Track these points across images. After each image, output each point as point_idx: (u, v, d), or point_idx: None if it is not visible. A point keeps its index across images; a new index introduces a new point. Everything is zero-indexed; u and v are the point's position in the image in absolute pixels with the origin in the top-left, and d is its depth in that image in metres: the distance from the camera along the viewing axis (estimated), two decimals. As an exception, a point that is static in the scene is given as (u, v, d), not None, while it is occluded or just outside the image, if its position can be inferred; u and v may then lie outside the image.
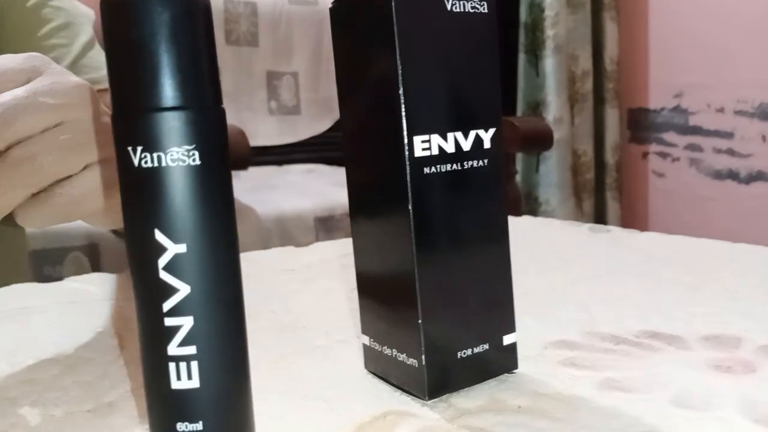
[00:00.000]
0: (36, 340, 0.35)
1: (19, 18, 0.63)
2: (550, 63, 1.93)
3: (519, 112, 2.00)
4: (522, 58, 1.98)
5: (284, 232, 1.35)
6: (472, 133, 0.28)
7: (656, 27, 1.97)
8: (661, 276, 0.45)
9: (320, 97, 1.88)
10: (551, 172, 1.97)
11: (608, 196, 2.06)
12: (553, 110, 1.94)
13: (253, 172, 1.58)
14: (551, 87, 1.94)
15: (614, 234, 0.59)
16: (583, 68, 1.99)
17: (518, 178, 1.89)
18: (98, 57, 0.67)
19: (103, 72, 0.68)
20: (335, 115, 1.88)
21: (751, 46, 1.73)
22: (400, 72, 0.26)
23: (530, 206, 1.98)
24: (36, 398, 0.31)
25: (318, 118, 1.88)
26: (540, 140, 1.34)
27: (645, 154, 2.05)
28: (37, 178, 0.33)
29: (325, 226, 1.40)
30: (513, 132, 1.29)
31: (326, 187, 1.54)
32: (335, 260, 0.55)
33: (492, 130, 0.29)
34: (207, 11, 0.22)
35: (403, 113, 0.26)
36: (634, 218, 2.07)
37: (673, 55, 1.93)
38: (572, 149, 2.00)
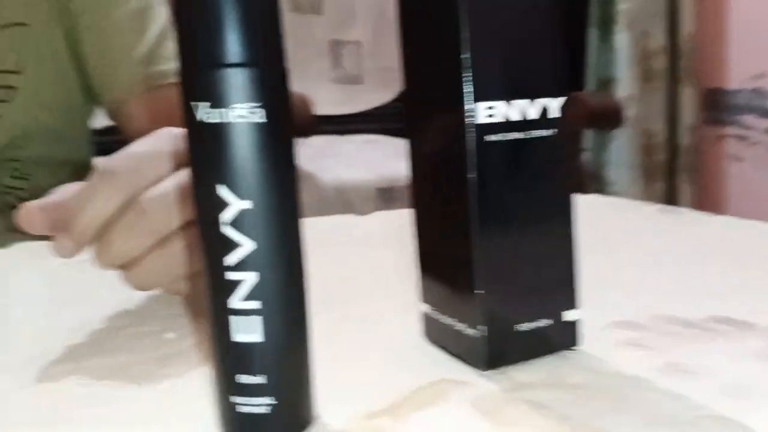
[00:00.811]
0: (110, 289, 0.36)
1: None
2: (622, 38, 1.85)
3: (589, 88, 1.94)
4: (593, 33, 1.91)
5: (344, 201, 1.36)
6: (539, 101, 0.27)
7: (737, 2, 1.87)
8: (734, 261, 0.43)
9: (384, 67, 1.87)
10: (622, 152, 1.91)
11: (681, 179, 1.98)
12: (625, 87, 1.87)
13: (315, 140, 1.59)
14: (623, 63, 1.86)
15: (686, 216, 0.57)
16: (657, 44, 1.90)
17: (586, 156, 1.84)
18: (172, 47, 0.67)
19: (174, 64, 0.69)
20: (398, 86, 1.87)
21: None
22: (466, 35, 0.25)
23: (598, 186, 1.93)
24: (107, 345, 0.32)
25: (381, 88, 1.87)
26: (610, 117, 1.30)
27: (721, 137, 1.96)
28: (161, 227, 0.32)
29: (385, 197, 1.40)
30: (582, 107, 1.25)
31: (388, 158, 1.54)
32: (396, 229, 0.55)
33: (560, 99, 0.28)
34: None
35: (468, 78, 0.26)
36: (707, 203, 1.98)
37: (754, 32, 1.82)
38: (644, 129, 1.93)
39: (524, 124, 0.27)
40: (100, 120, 0.74)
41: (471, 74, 0.26)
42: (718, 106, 1.95)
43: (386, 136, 1.81)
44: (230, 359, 0.23)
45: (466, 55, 0.26)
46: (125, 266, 0.33)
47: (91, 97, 0.69)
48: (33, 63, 0.62)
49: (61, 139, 0.67)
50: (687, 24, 1.90)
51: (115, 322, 0.35)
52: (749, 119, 1.86)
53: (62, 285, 0.40)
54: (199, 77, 0.21)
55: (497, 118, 0.27)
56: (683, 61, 1.92)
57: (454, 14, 0.26)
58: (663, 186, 1.97)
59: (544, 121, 0.28)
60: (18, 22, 0.62)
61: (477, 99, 0.26)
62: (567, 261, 0.29)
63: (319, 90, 1.79)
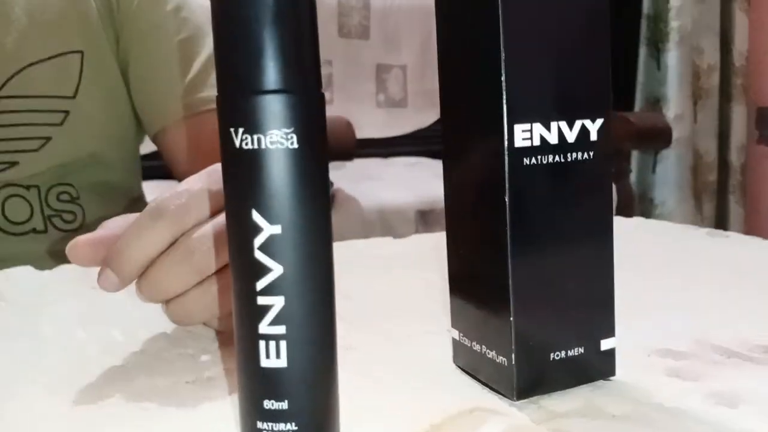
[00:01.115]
0: (149, 311, 0.37)
1: (150, 27, 0.67)
2: (673, 56, 1.82)
3: (637, 107, 1.90)
4: (643, 51, 1.88)
5: (385, 224, 1.37)
6: (578, 123, 0.27)
7: (794, 18, 1.81)
8: (785, 287, 0.42)
9: (427, 89, 1.88)
10: (669, 172, 1.86)
11: (731, 199, 1.92)
12: (674, 106, 1.83)
13: (358, 163, 1.60)
14: (673, 81, 1.83)
15: (734, 240, 0.55)
16: (709, 62, 1.86)
17: (632, 177, 1.80)
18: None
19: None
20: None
21: None
22: (503, 56, 0.25)
23: (644, 207, 1.88)
24: (144, 367, 0.33)
25: (424, 110, 1.87)
26: (657, 137, 1.27)
27: (775, 157, 1.89)
28: (205, 267, 0.32)
29: (425, 220, 1.40)
30: (628, 127, 1.23)
31: (429, 181, 1.54)
32: (432, 252, 0.54)
33: (599, 121, 0.27)
34: (311, -3, 0.22)
35: (504, 100, 0.26)
36: (759, 224, 1.92)
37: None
38: (693, 148, 1.88)
39: (563, 147, 0.27)
40: (146, 145, 0.76)
41: (507, 97, 0.26)
42: (771, 124, 1.89)
43: (428, 158, 1.82)
44: (256, 384, 0.23)
45: (502, 78, 0.26)
46: (167, 301, 0.34)
47: (139, 125, 0.71)
48: (87, 90, 0.65)
49: (111, 166, 0.69)
50: (740, 41, 1.85)
51: (152, 344, 0.36)
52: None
53: (102, 309, 0.41)
54: (236, 103, 0.22)
55: (534, 141, 0.26)
56: (735, 78, 1.87)
57: (492, 36, 0.26)
58: (712, 207, 1.91)
59: (583, 142, 0.27)
60: (75, 50, 0.64)
61: (514, 122, 0.26)
62: (604, 287, 0.29)
63: (363, 113, 1.81)
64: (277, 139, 0.22)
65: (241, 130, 0.22)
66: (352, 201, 1.31)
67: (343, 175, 1.37)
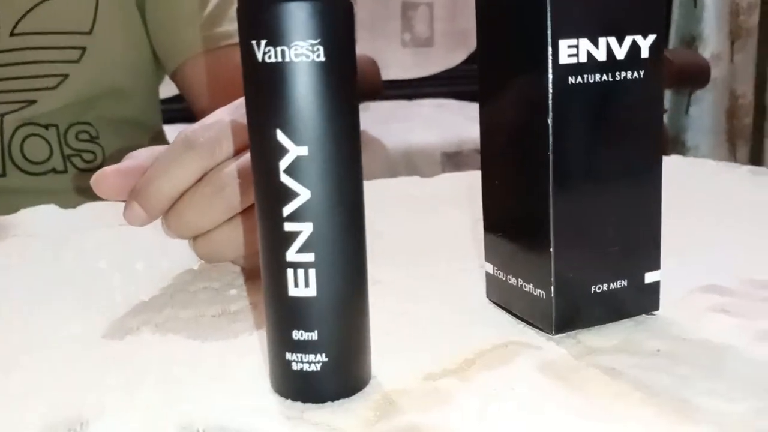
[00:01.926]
0: (172, 245, 0.36)
1: None
2: (710, -8, 1.73)
3: (671, 46, 1.83)
4: (678, -15, 1.79)
5: (411, 166, 1.35)
6: (628, 39, 0.25)
7: None
8: (837, 224, 0.39)
9: (455, 28, 1.82)
10: (704, 115, 1.80)
11: (767, 143, 1.86)
12: (711, 45, 1.75)
13: (383, 105, 1.57)
14: (710, 19, 1.75)
15: (779, 177, 0.53)
16: (749, -1, 1.77)
17: (665, 118, 1.75)
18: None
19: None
20: (470, 47, 1.82)
21: None
22: (547, -35, 0.23)
23: (677, 151, 1.83)
24: (167, 300, 0.32)
25: (452, 50, 1.82)
26: (695, 76, 1.22)
27: (816, 98, 1.82)
28: (236, 203, 0.31)
29: (452, 161, 1.37)
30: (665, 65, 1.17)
31: (455, 122, 1.51)
32: (462, 191, 0.53)
33: (651, 37, 0.25)
34: None
35: (549, 13, 0.23)
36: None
37: None
38: (730, 90, 1.81)
39: (611, 65, 0.25)
40: (167, 89, 0.75)
41: (550, 9, 0.23)
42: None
43: (455, 99, 1.78)
44: (284, 314, 0.22)
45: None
46: (195, 237, 0.33)
47: (157, 61, 0.69)
48: (103, 25, 0.63)
49: (130, 100, 0.68)
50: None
51: (178, 278, 0.35)
52: None
53: (127, 243, 0.40)
54: (257, 13, 0.20)
55: (580, 58, 0.24)
56: (777, 16, 1.78)
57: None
58: (746, 151, 1.85)
59: (634, 61, 0.25)
60: None
61: (558, 37, 0.24)
62: (651, 220, 0.27)
63: (389, 53, 1.76)
64: (302, 51, 0.20)
65: (263, 42, 0.20)
66: (377, 142, 1.29)
67: (368, 117, 1.34)
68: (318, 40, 0.20)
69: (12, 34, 0.61)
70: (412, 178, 0.58)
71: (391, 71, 1.73)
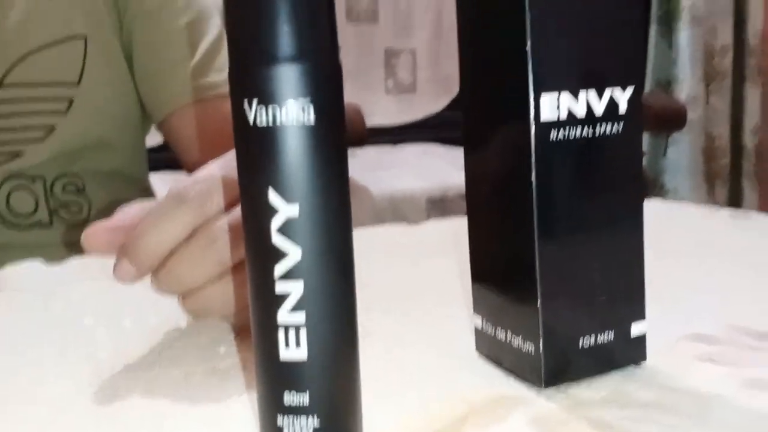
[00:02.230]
0: (160, 300, 0.36)
1: (154, 10, 0.65)
2: (685, 36, 1.79)
3: (648, 89, 1.88)
4: (654, 30, 1.84)
5: (396, 212, 1.35)
6: (607, 92, 0.26)
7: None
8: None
9: (438, 75, 1.86)
10: (681, 157, 1.84)
11: (745, 184, 1.89)
12: (687, 88, 1.80)
13: (368, 151, 1.59)
14: (685, 62, 1.80)
15: (758, 221, 0.54)
16: (723, 42, 1.82)
17: (644, 161, 1.78)
18: (224, 59, 0.67)
19: (226, 74, 0.68)
20: (452, 93, 1.85)
21: None
22: (528, 20, 0.24)
23: (655, 193, 1.86)
24: (156, 357, 0.32)
25: (435, 96, 1.85)
26: (672, 120, 1.25)
27: (790, 139, 1.86)
28: (227, 258, 0.31)
29: (437, 207, 1.38)
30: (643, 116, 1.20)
31: (440, 168, 1.53)
32: (449, 238, 0.53)
33: (630, 89, 0.26)
34: (326, -36, 0.21)
35: (530, 67, 0.24)
36: (774, 208, 1.89)
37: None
38: (706, 131, 1.85)
39: (591, 119, 0.25)
40: (154, 138, 0.75)
41: (533, 64, 0.24)
42: (786, 106, 1.86)
43: (438, 144, 1.80)
44: (275, 376, 0.22)
45: (527, 43, 0.24)
46: (185, 293, 0.33)
47: (144, 112, 0.70)
48: (91, 76, 0.64)
49: (117, 152, 0.68)
50: (755, 20, 1.82)
51: (168, 335, 0.35)
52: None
53: (114, 299, 0.40)
54: (249, 73, 0.21)
55: (561, 114, 0.25)
56: (750, 59, 1.84)
57: (516, 1, 0.24)
58: (725, 192, 1.89)
59: (612, 114, 0.26)
60: (78, 34, 0.63)
61: (540, 92, 0.25)
62: (634, 270, 0.27)
63: (373, 100, 1.79)
64: (293, 112, 0.20)
65: (255, 101, 0.21)
66: (363, 189, 1.30)
67: (354, 164, 1.35)
68: (309, 101, 0.20)
69: (0, 86, 0.61)
70: (399, 225, 0.59)
71: (375, 118, 1.75)
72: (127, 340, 0.34)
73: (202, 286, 0.32)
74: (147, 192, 0.74)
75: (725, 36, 1.82)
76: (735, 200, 1.91)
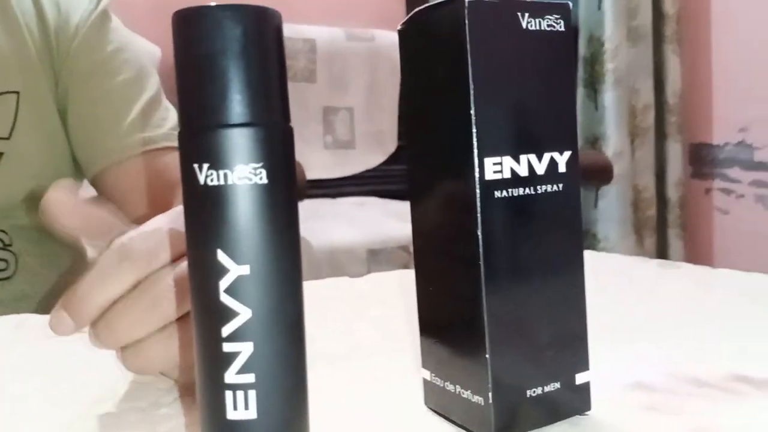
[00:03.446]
0: (96, 362, 0.35)
1: (91, 68, 0.65)
2: (609, 97, 1.89)
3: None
4: (581, 92, 1.95)
5: (336, 264, 1.35)
6: (547, 156, 0.27)
7: (720, 60, 1.92)
8: (743, 314, 0.42)
9: (375, 131, 1.89)
10: (611, 208, 1.91)
11: (671, 233, 1.99)
12: (613, 144, 1.89)
13: (307, 204, 1.59)
14: (611, 121, 1.90)
15: (686, 270, 0.56)
16: (645, 102, 1.94)
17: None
18: (161, 115, 0.66)
19: (162, 131, 0.66)
20: (389, 149, 1.89)
21: (824, 79, 1.66)
22: (472, 90, 0.25)
23: (588, 243, 1.93)
24: (93, 421, 0.30)
25: (372, 151, 1.88)
26: (599, 174, 1.31)
27: (708, 191, 1.98)
28: (172, 313, 0.30)
29: (376, 259, 1.39)
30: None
31: (378, 220, 1.54)
32: (392, 291, 0.53)
33: (567, 153, 0.27)
34: (278, 29, 0.21)
35: (474, 133, 0.25)
36: (698, 256, 1.98)
37: (737, 88, 1.87)
38: (633, 184, 1.95)
39: (533, 179, 0.27)
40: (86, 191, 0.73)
41: (477, 130, 0.25)
42: (704, 160, 1.98)
43: (376, 197, 1.82)
44: (225, 438, 0.21)
45: (471, 111, 0.25)
46: (124, 347, 0.32)
47: (77, 167, 0.68)
48: (23, 130, 0.62)
49: None
50: (673, 81, 1.94)
51: (107, 397, 0.33)
52: (735, 172, 1.89)
53: (52, 360, 0.38)
54: (201, 138, 0.21)
55: (504, 174, 0.26)
56: (669, 117, 1.96)
57: (461, 69, 0.25)
58: (653, 241, 1.97)
59: (552, 175, 0.27)
60: (11, 90, 0.61)
61: (484, 155, 0.26)
62: (577, 320, 0.28)
63: (312, 154, 1.80)
64: (245, 175, 0.20)
65: (206, 165, 0.21)
66: (303, 241, 1.29)
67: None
68: (261, 164, 0.20)
69: None
70: (341, 278, 0.59)
71: (314, 172, 1.76)
72: (63, 405, 0.32)
73: (142, 340, 0.31)
74: (76, 247, 0.71)
75: (647, 96, 1.94)
76: (662, 249, 2.00)
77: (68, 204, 0.32)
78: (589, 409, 0.29)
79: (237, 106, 0.20)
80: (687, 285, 0.51)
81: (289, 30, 1.74)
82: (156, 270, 0.31)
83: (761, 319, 0.41)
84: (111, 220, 0.35)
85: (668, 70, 1.94)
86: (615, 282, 0.53)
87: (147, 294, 0.30)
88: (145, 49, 0.69)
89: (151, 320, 0.30)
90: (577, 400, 0.28)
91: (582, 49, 1.95)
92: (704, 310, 0.44)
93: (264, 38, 0.21)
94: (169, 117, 0.67)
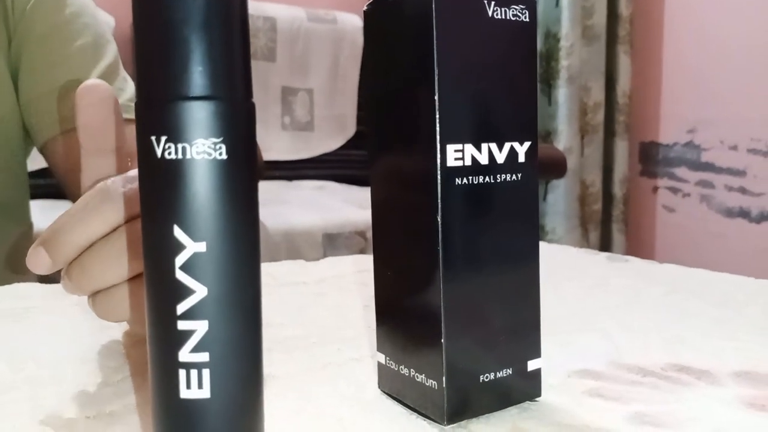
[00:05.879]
0: (38, 341, 0.33)
1: (48, 30, 0.62)
2: (562, 93, 1.93)
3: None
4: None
5: (292, 247, 1.34)
6: (507, 145, 0.27)
7: (670, 62, 1.97)
8: (685, 308, 0.44)
9: (334, 114, 1.88)
10: (559, 202, 1.96)
11: (614, 228, 2.04)
12: (564, 140, 1.93)
13: (264, 186, 1.57)
14: (563, 117, 1.93)
15: (633, 264, 0.58)
16: (595, 100, 1.98)
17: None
18: (119, 85, 0.65)
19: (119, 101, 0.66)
20: (348, 133, 1.88)
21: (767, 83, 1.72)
22: (437, 76, 0.25)
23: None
24: (36, 402, 0.29)
25: (331, 135, 1.87)
26: (554, 167, 1.33)
27: (655, 189, 2.04)
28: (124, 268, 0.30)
29: (333, 243, 1.38)
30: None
31: (336, 204, 1.53)
32: (348, 275, 0.53)
33: (527, 144, 0.28)
34: (243, 1, 0.21)
35: (437, 119, 0.25)
36: (639, 251, 2.05)
37: (686, 90, 1.93)
38: (580, 179, 1.99)
39: (493, 168, 0.27)
40: (35, 162, 0.71)
41: (440, 117, 0.25)
42: (653, 158, 2.04)
43: (334, 182, 1.81)
44: (175, 418, 0.21)
45: (435, 96, 0.25)
46: (95, 293, 0.31)
47: (26, 135, 0.65)
48: None
49: None
50: (623, 81, 1.99)
51: (51, 376, 0.32)
52: (682, 172, 1.95)
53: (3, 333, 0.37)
54: (159, 110, 0.20)
55: (465, 161, 0.26)
56: (619, 116, 2.01)
57: (426, 54, 0.25)
58: (597, 235, 2.03)
59: (512, 164, 0.27)
60: None
61: (445, 142, 0.26)
62: (532, 307, 0.29)
63: (269, 136, 1.78)
64: (204, 149, 0.20)
65: (163, 138, 0.20)
66: (261, 225, 1.28)
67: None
68: (221, 139, 0.20)
69: None
70: (297, 261, 0.58)
71: (271, 153, 1.74)
72: (6, 389, 0.31)
73: (113, 286, 0.30)
74: (24, 221, 0.69)
75: (598, 95, 1.98)
76: (606, 242, 2.06)
77: (106, 97, 0.32)
78: (539, 395, 0.29)
79: (199, 77, 0.20)
80: (633, 278, 0.53)
81: (250, 7, 1.70)
82: (136, 215, 0.30)
83: (702, 312, 0.43)
84: (128, 141, 0.34)
85: (620, 70, 1.98)
86: (564, 273, 0.55)
87: (124, 239, 0.30)
88: (102, 22, 0.67)
89: (126, 265, 0.30)
90: (529, 386, 0.29)
91: (539, 45, 1.98)
92: (649, 302, 0.46)
93: (229, 9, 0.20)
94: (126, 88, 0.65)
